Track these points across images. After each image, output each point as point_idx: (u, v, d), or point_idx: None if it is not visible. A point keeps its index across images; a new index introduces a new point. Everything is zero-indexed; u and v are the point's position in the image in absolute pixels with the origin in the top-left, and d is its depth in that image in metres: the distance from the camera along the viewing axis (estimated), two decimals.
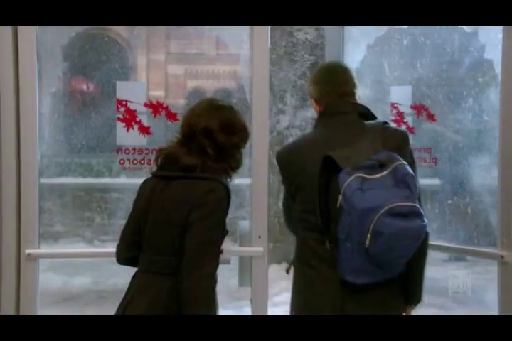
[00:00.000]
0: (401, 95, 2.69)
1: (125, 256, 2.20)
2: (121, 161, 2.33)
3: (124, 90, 2.29)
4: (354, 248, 2.04)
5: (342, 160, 2.08)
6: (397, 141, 2.17)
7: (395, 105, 2.70)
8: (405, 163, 2.07)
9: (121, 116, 2.29)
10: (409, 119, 2.67)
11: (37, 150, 2.04)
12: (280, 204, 2.59)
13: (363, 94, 2.35)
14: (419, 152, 2.69)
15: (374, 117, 2.26)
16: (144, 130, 2.33)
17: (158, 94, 20.21)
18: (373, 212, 1.97)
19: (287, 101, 6.36)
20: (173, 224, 2.02)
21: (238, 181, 2.18)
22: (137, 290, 2.10)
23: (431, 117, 2.66)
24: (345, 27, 2.80)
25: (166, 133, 2.24)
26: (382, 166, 2.05)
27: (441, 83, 2.82)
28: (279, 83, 6.41)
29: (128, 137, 2.31)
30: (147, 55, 19.77)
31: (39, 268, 2.27)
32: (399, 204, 1.98)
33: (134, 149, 2.32)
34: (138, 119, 2.31)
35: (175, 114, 2.32)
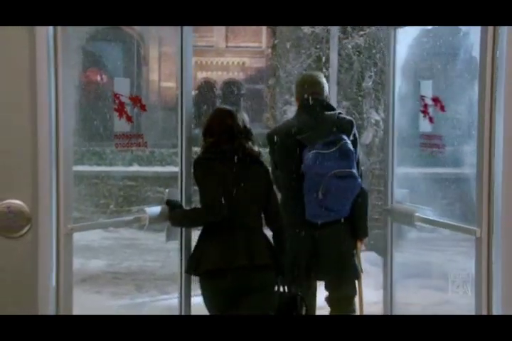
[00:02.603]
0: (426, 89, 2.94)
1: (225, 211, 2.76)
2: (116, 145, 2.66)
3: (118, 85, 2.65)
4: (312, 199, 3.10)
5: (307, 141, 3.13)
6: (344, 126, 3.19)
7: (423, 97, 2.96)
8: (349, 142, 3.12)
9: (116, 107, 2.60)
10: (430, 110, 2.90)
11: (71, 138, 2.21)
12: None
13: (405, 89, 3.08)
14: (433, 139, 2.87)
15: (333, 109, 3.28)
16: (129, 119, 2.65)
17: (169, 85, 20.25)
18: (323, 175, 3.04)
19: (293, 92, 6.41)
20: (259, 193, 2.89)
21: None
22: (246, 241, 2.79)
23: (441, 108, 2.84)
24: (398, 29, 3.17)
25: (141, 121, 2.75)
26: (333, 143, 3.08)
27: (447, 78, 2.98)
28: (285, 75, 6.46)
29: (120, 125, 2.65)
30: (159, 47, 19.81)
31: None
32: (340, 170, 3.05)
33: (123, 135, 2.66)
34: (125, 110, 2.64)
35: (144, 105, 2.73)
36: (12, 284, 2.04)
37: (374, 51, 6.09)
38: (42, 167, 2.07)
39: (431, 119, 2.89)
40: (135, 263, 6.89)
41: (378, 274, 6.15)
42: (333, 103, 4.88)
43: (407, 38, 3.16)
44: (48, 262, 2.08)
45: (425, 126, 2.93)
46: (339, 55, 5.46)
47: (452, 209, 3.12)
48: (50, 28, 2.14)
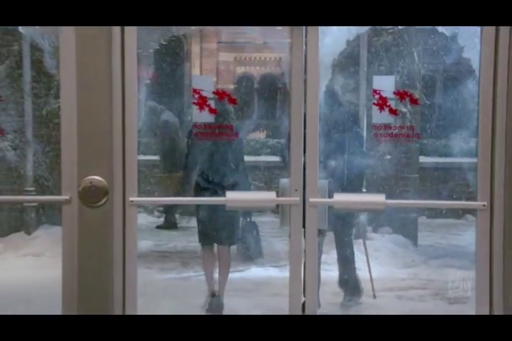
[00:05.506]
0: (383, 83, 2.99)
1: None
2: (196, 134, 2.89)
3: (197, 82, 2.88)
4: None
5: None
6: None
7: (378, 91, 2.97)
8: None
9: (195, 101, 2.79)
10: (391, 103, 2.95)
11: (136, 130, 2.55)
12: None
13: (342, 81, 2.84)
14: (402, 129, 2.99)
15: None
16: (213, 111, 2.80)
17: None
18: None
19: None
20: None
21: None
22: None
23: (414, 101, 2.95)
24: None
25: (226, 113, 2.86)
26: None
27: (428, 76, 3.08)
28: None
29: (201, 116, 2.84)
30: (200, 43, 20.10)
31: None
32: None
33: (205, 125, 2.87)
34: (208, 103, 2.81)
35: (235, 99, 2.86)
36: (93, 245, 2.44)
37: (402, 48, 6.31)
38: (116, 151, 2.47)
39: (393, 111, 2.93)
40: (180, 243, 7.27)
41: (404, 255, 6.46)
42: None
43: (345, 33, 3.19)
44: (120, 226, 2.48)
45: (383, 117, 2.95)
46: (369, 51, 5.71)
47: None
48: (120, 27, 2.40)
